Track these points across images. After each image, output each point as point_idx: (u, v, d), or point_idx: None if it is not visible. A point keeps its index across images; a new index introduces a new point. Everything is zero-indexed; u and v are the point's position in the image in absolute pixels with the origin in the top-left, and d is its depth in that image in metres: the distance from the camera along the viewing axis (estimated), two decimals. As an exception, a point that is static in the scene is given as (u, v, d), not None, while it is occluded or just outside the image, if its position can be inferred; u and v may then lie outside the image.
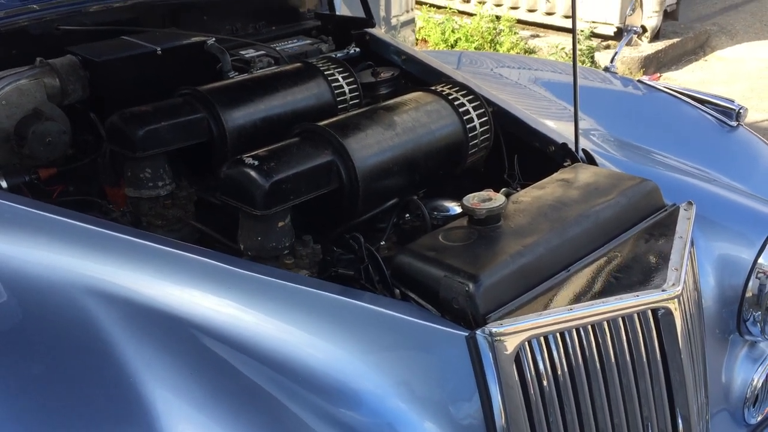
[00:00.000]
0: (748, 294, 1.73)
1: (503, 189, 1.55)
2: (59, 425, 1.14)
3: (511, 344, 1.22)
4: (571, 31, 1.80)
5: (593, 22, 6.53)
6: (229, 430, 1.15)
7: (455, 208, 1.71)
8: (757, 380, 1.80)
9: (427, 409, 1.28)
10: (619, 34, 6.49)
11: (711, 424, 1.66)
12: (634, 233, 1.47)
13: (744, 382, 1.81)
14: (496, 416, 1.27)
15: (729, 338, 1.79)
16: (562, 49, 6.42)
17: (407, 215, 1.74)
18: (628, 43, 6.09)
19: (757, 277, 1.73)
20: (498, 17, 6.81)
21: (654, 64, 6.35)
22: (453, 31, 6.69)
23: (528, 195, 1.53)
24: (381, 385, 1.28)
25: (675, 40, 6.64)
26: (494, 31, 6.64)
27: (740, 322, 1.75)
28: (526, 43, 6.71)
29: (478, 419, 1.29)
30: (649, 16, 6.40)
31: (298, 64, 2.08)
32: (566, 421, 1.32)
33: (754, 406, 1.83)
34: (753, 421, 1.85)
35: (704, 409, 1.58)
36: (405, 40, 5.39)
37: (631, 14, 2.42)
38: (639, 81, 2.58)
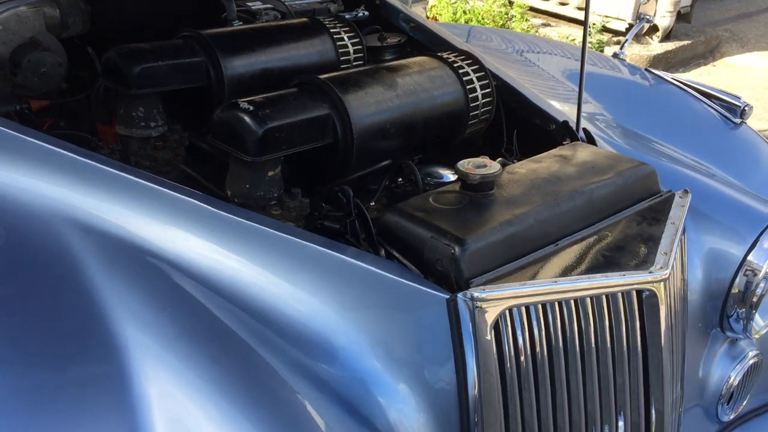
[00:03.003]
0: (734, 290, 1.72)
1: (499, 158, 1.53)
2: (22, 349, 1.12)
3: (491, 311, 1.20)
4: (583, 21, 1.77)
5: (606, 16, 6.49)
6: (196, 370, 1.12)
7: (449, 175, 1.68)
8: (734, 378, 1.79)
9: (402, 370, 1.27)
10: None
11: (683, 418, 1.65)
12: (627, 215, 1.45)
13: (721, 379, 1.80)
14: (469, 384, 1.25)
15: (710, 333, 1.78)
16: (573, 40, 6.38)
17: (400, 179, 1.71)
18: (638, 38, 6.04)
19: (744, 274, 1.72)
20: (511, 2, 6.75)
21: (662, 64, 6.31)
22: (465, 12, 6.63)
23: (524, 167, 1.51)
24: (358, 342, 1.26)
25: (685, 42, 6.60)
26: (506, 16, 6.59)
27: (723, 317, 1.74)
28: (536, 32, 6.66)
29: (451, 385, 1.27)
30: (662, 16, 6.36)
31: (305, 19, 2.05)
32: (540, 402, 1.30)
33: (728, 404, 1.82)
34: (726, 419, 1.84)
35: (678, 402, 1.57)
36: (415, 16, 5.33)
37: (645, 2, 2.39)
38: (647, 70, 2.56)
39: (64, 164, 1.40)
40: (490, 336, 1.22)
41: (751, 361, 1.81)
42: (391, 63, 1.82)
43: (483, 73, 1.83)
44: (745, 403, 1.87)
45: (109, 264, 1.26)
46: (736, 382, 1.80)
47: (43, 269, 1.26)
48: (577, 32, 6.51)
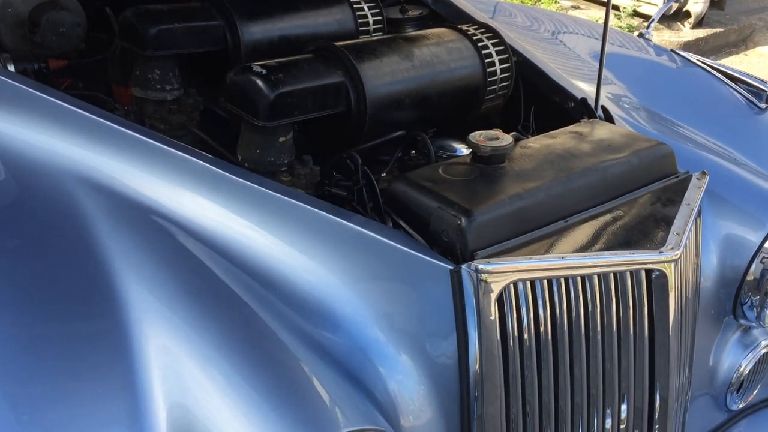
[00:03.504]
0: (749, 277, 1.68)
1: (513, 132, 1.50)
2: (27, 300, 1.12)
3: (496, 285, 1.19)
4: (606, 7, 1.73)
5: (637, 0, 6.36)
6: (195, 328, 1.12)
7: (463, 149, 1.66)
8: (745, 366, 1.76)
9: (404, 341, 1.26)
10: (662, 17, 6.33)
11: (691, 406, 1.63)
12: (641, 194, 1.43)
13: (731, 367, 1.77)
14: (471, 358, 1.24)
15: (723, 320, 1.75)
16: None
17: (413, 152, 1.70)
18: (670, 24, 5.91)
19: (761, 262, 1.68)
20: (541, -17, 6.65)
21: (693, 50, 6.18)
22: (493, -8, 6.55)
23: (537, 142, 1.49)
24: (361, 311, 1.25)
25: (718, 29, 6.47)
26: (535, -2, 6.50)
27: (737, 304, 1.70)
28: (566, 14, 6.56)
29: (454, 359, 1.26)
30: (695, 2, 6.23)
31: (325, -12, 2.02)
32: (541, 381, 1.28)
33: (737, 393, 1.80)
34: (735, 407, 1.82)
35: (686, 388, 1.54)
36: (443, -7, 5.25)
37: (675, -17, 2.33)
38: (673, 51, 2.50)
39: (77, 123, 1.40)
40: (493, 310, 1.21)
41: (764, 351, 1.78)
42: (408, 33, 1.79)
43: (503, 48, 1.80)
44: (755, 392, 1.84)
45: (116, 222, 1.27)
46: (746, 371, 1.77)
47: (52, 224, 1.27)
48: (607, 16, 6.40)
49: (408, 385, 1.26)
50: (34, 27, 1.78)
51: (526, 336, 1.25)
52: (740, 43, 6.67)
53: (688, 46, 6.16)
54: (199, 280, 1.22)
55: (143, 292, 1.16)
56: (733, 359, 1.77)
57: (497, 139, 1.35)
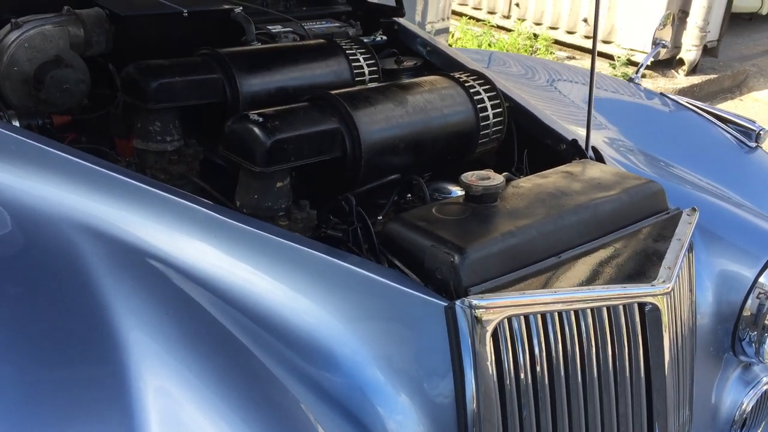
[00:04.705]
0: (746, 313, 1.69)
1: (505, 173, 1.54)
2: (26, 347, 1.14)
3: (490, 320, 1.20)
4: (592, 50, 1.79)
5: (631, 49, 6.49)
6: (196, 373, 1.14)
7: (458, 191, 1.69)
8: (747, 403, 1.76)
9: (402, 381, 1.26)
10: (656, 65, 6.46)
11: (694, 445, 1.62)
12: (632, 230, 1.45)
13: (733, 405, 1.77)
14: (467, 397, 1.24)
15: (723, 357, 1.75)
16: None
17: (409, 195, 1.73)
18: (664, 71, 6.02)
19: (757, 297, 1.69)
20: (536, 35, 6.80)
21: (688, 96, 6.24)
22: (490, 45, 6.69)
23: (529, 182, 1.52)
24: (359, 351, 1.26)
25: (712, 76, 6.58)
26: (531, 49, 6.63)
27: (735, 340, 1.71)
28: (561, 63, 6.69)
29: (451, 399, 1.26)
30: (689, 50, 6.35)
31: (322, 41, 2.09)
32: (539, 421, 1.28)
33: (741, 430, 1.78)
34: (739, 446, 1.81)
35: (686, 427, 1.54)
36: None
37: (661, 29, 2.40)
38: (662, 95, 2.56)
39: (76, 171, 1.43)
40: (488, 346, 1.21)
41: (765, 387, 1.78)
42: (403, 81, 1.84)
43: (494, 93, 1.85)
44: (759, 430, 1.83)
45: (116, 267, 1.29)
46: (749, 408, 1.76)
47: (52, 271, 1.29)
48: (601, 65, 6.53)
49: (407, 426, 1.26)
50: (38, 84, 1.83)
51: (522, 374, 1.25)
52: (735, 88, 6.78)
53: (683, 92, 6.26)
54: (198, 324, 1.23)
55: (142, 336, 1.17)
56: (735, 396, 1.77)
57: (488, 178, 1.38)
